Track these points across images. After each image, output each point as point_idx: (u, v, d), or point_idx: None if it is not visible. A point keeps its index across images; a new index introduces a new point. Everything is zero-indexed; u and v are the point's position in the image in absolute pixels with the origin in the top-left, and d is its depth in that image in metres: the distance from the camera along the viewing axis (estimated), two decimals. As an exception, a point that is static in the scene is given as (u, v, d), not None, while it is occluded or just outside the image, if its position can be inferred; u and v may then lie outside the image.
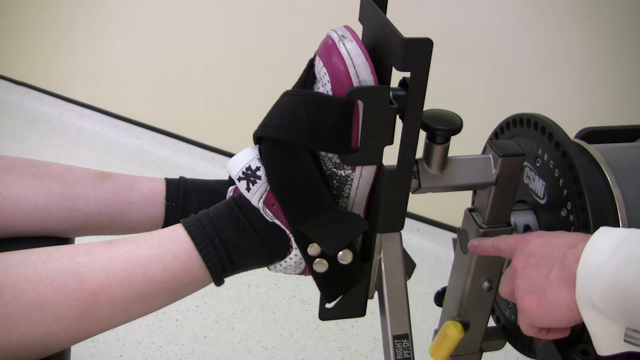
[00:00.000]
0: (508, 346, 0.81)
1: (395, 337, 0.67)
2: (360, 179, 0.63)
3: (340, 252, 0.64)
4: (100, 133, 2.26)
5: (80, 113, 2.33)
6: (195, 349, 1.43)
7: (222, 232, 0.63)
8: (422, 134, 0.64)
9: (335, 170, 0.63)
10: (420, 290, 1.49)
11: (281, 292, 1.60)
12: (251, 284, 1.63)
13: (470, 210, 0.74)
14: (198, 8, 1.96)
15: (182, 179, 0.75)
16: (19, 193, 0.68)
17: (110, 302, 0.59)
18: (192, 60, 2.05)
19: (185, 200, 0.73)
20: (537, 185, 0.73)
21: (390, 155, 0.62)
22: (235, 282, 1.63)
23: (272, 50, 1.87)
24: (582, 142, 0.73)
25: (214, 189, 0.74)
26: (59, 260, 0.59)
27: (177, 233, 0.63)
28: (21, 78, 2.45)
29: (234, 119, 1.96)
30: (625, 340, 0.51)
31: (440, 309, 0.82)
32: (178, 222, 0.65)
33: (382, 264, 0.68)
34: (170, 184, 0.74)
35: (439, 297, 0.83)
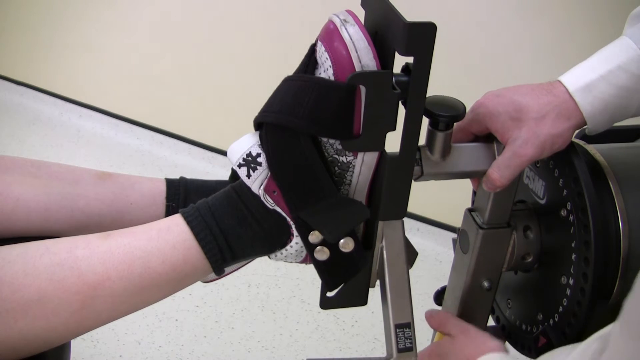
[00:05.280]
0: (508, 346, 0.81)
1: (397, 326, 0.67)
2: (362, 165, 0.63)
3: (342, 240, 0.63)
4: (100, 133, 2.26)
5: (80, 113, 2.33)
6: (195, 349, 1.43)
7: (222, 222, 0.63)
8: (425, 121, 0.64)
9: (336, 156, 0.62)
10: (420, 290, 1.49)
11: (281, 292, 1.60)
12: (251, 284, 1.63)
13: (470, 210, 0.74)
14: (198, 8, 1.97)
15: (182, 179, 0.75)
16: (19, 193, 0.68)
17: (109, 295, 0.59)
18: (192, 60, 2.05)
19: (185, 201, 0.73)
20: (537, 185, 0.73)
21: (393, 142, 0.62)
22: (235, 282, 1.62)
23: (271, 50, 1.87)
24: (582, 142, 0.74)
25: (214, 189, 0.74)
26: (57, 254, 0.59)
27: (176, 224, 0.63)
28: (21, 78, 2.45)
29: (234, 119, 1.95)
30: None
31: (439, 308, 0.82)
32: None
33: (384, 252, 0.67)
34: (171, 184, 0.74)
35: (439, 296, 0.83)
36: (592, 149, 0.71)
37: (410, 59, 0.57)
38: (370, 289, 0.72)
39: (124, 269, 0.59)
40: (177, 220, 0.63)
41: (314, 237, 0.63)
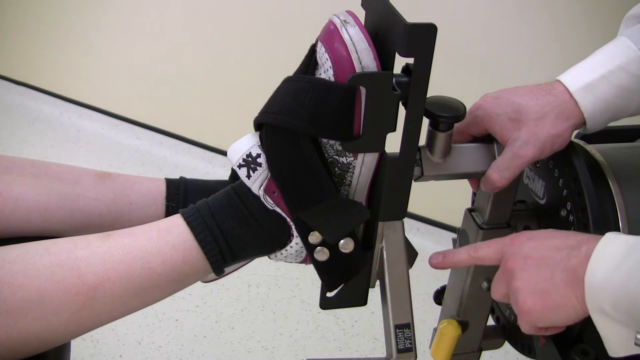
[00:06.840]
0: (508, 346, 0.81)
1: (397, 327, 0.67)
2: (362, 166, 0.63)
3: (342, 241, 0.63)
4: (100, 133, 2.27)
5: (80, 113, 2.33)
6: (195, 349, 1.43)
7: (222, 222, 0.63)
8: (425, 121, 0.63)
9: (337, 157, 0.62)
10: (420, 290, 1.49)
11: (281, 292, 1.60)
12: (251, 284, 1.63)
13: (470, 210, 0.74)
14: (198, 8, 1.97)
15: (182, 179, 0.75)
16: (19, 193, 0.68)
17: (109, 295, 0.59)
18: (192, 60, 2.05)
19: (185, 201, 0.73)
20: (537, 185, 0.73)
21: (394, 143, 0.62)
22: (235, 282, 1.63)
23: (272, 49, 1.88)
24: (582, 142, 0.74)
25: (214, 189, 0.74)
26: (57, 254, 0.59)
27: (176, 224, 0.63)
28: (21, 78, 2.46)
29: (234, 119, 1.95)
30: (636, 344, 0.52)
31: (439, 308, 0.82)
32: None
33: (384, 252, 0.67)
34: (171, 184, 0.74)
35: (439, 296, 0.83)
36: (592, 149, 0.71)
37: (410, 60, 0.57)
38: (370, 289, 0.72)
39: (124, 270, 0.59)
40: (177, 220, 0.63)
41: (314, 237, 0.63)
